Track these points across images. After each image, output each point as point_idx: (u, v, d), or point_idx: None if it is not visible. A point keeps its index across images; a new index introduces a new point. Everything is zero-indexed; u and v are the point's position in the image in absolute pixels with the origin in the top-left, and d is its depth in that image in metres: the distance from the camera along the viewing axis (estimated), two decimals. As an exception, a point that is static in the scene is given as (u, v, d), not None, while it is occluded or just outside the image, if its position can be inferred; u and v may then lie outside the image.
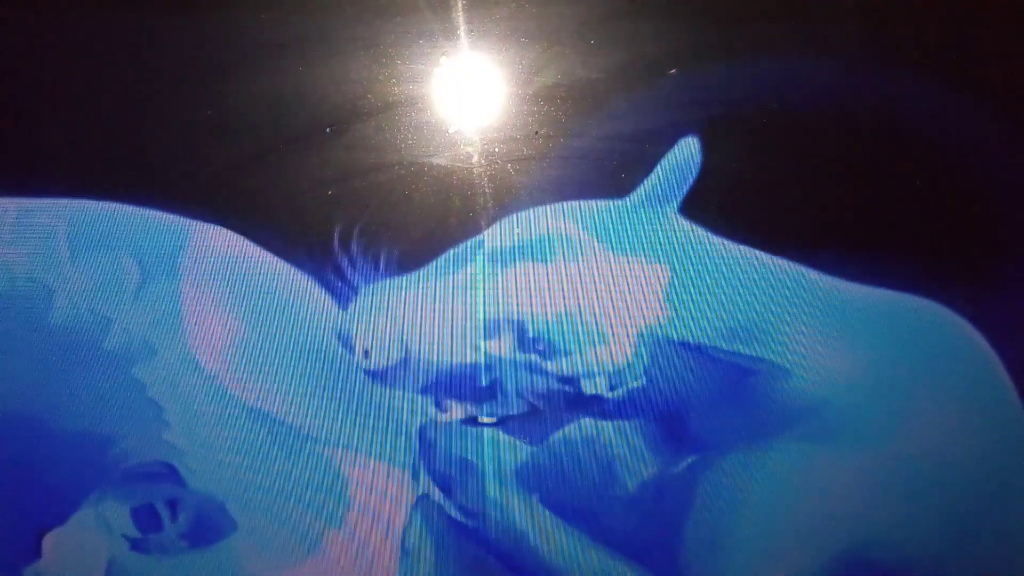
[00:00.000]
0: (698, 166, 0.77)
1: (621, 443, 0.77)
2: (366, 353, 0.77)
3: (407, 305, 0.77)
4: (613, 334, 0.76)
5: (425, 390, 0.77)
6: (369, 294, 0.78)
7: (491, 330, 0.76)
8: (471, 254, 0.77)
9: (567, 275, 0.77)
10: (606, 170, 0.78)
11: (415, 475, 0.77)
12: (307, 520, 0.75)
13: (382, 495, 0.76)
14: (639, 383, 0.76)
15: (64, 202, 0.80)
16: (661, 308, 0.76)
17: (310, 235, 0.78)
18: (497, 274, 0.77)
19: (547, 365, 0.76)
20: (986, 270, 0.78)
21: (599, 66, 0.78)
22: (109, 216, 0.80)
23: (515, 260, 0.77)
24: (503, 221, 0.78)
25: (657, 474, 0.76)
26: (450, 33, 0.78)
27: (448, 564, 0.76)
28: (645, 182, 0.77)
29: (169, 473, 0.76)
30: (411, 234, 0.78)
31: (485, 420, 0.77)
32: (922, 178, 0.78)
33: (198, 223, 0.79)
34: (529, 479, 0.77)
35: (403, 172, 0.79)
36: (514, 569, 0.76)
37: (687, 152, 0.77)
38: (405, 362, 0.76)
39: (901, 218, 0.78)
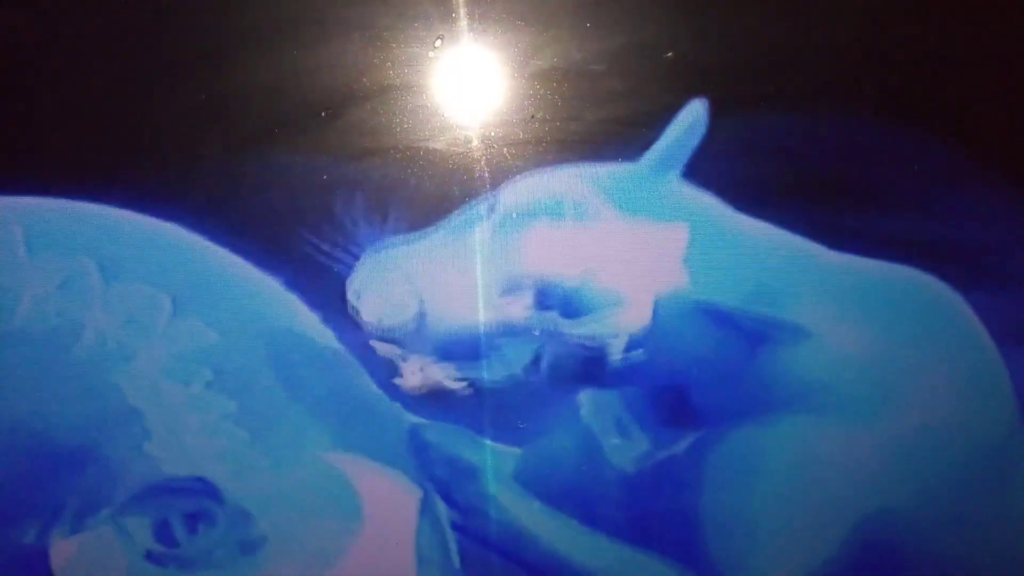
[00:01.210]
0: (703, 130, 0.77)
1: (631, 417, 0.77)
2: (379, 321, 0.76)
3: (416, 266, 0.76)
4: (630, 296, 0.76)
5: (437, 351, 0.76)
6: (374, 257, 0.77)
7: (506, 290, 0.76)
8: (480, 216, 0.77)
9: (581, 237, 0.77)
10: (603, 154, 0.78)
11: (415, 477, 0.77)
12: (326, 531, 0.75)
13: (390, 501, 0.76)
14: (655, 346, 0.76)
15: (30, 200, 0.78)
16: (680, 270, 0.76)
17: (306, 220, 0.78)
18: (509, 235, 0.77)
19: (564, 326, 0.76)
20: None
21: (596, 49, 0.78)
22: (72, 216, 0.78)
23: (527, 221, 0.77)
24: (512, 183, 0.77)
25: (671, 450, 0.77)
26: (446, 16, 0.78)
27: (464, 567, 0.77)
28: (655, 146, 0.77)
29: (202, 487, 0.75)
30: (407, 218, 0.78)
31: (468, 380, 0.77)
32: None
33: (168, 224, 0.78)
34: (532, 467, 0.78)
35: (399, 156, 0.78)
36: (528, 567, 0.77)
37: (694, 115, 0.77)
38: (416, 323, 0.76)
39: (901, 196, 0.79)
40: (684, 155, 0.77)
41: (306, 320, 0.78)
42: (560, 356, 0.76)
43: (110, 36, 0.79)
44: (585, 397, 0.79)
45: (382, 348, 0.77)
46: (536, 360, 0.76)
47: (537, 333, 0.76)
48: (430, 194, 0.78)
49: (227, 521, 0.74)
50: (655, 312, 0.76)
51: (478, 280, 0.76)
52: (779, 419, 0.76)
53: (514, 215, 0.77)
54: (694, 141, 0.77)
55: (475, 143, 0.78)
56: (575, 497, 0.78)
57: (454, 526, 0.77)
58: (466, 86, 0.79)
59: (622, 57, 0.78)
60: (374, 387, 0.78)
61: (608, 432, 0.79)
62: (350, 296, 0.77)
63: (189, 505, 0.74)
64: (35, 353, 0.75)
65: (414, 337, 0.76)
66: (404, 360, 0.76)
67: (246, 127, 0.79)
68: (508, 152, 0.78)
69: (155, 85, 0.79)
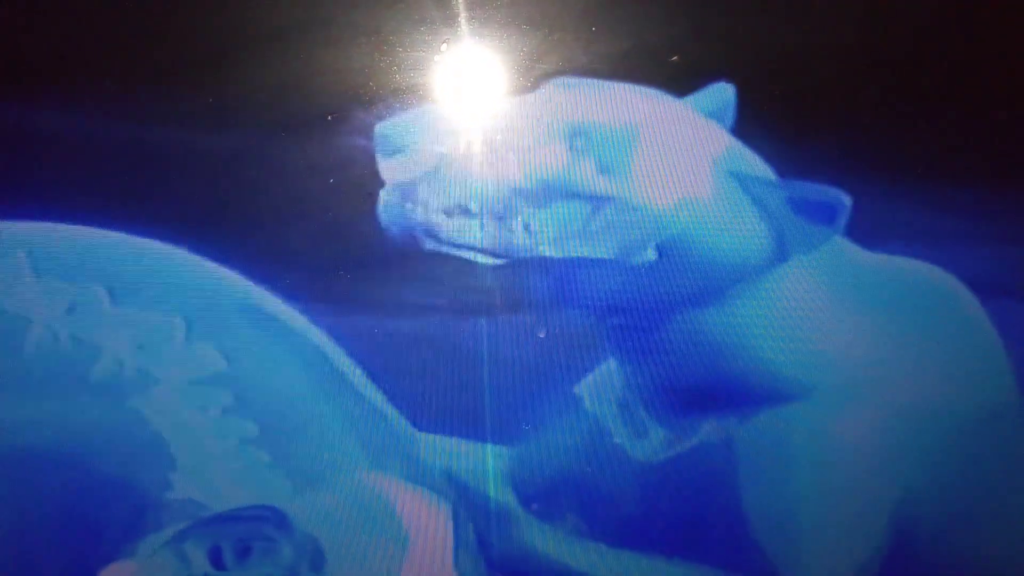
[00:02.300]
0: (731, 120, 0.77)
1: (644, 406, 0.77)
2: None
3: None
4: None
5: (452, 209, 0.75)
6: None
7: (544, 138, 0.75)
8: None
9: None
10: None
11: (441, 493, 0.77)
12: (376, 554, 0.75)
13: (428, 521, 0.76)
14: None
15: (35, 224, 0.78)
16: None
17: (312, 224, 0.78)
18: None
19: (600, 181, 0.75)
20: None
21: (601, 53, 0.78)
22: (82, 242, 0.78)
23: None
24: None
25: (692, 440, 0.77)
26: (451, 20, 0.78)
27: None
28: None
29: (270, 515, 0.75)
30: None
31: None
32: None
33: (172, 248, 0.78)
34: (549, 469, 0.77)
35: (403, 159, 0.79)
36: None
37: (722, 99, 0.77)
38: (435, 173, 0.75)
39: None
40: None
41: (319, 340, 0.78)
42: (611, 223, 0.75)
43: (116, 38, 0.80)
44: (593, 387, 0.79)
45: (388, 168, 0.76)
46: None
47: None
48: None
49: (292, 548, 0.74)
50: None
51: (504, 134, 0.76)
52: (802, 404, 0.76)
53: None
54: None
55: (480, 146, 0.79)
56: (601, 504, 0.78)
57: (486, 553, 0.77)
58: (472, 90, 0.79)
59: (627, 61, 0.78)
60: (390, 407, 0.78)
61: (623, 424, 0.78)
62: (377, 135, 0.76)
63: (247, 532, 0.74)
64: (52, 378, 0.75)
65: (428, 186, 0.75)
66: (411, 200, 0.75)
67: (253, 130, 0.79)
68: (514, 156, 0.78)
69: (161, 88, 0.79)
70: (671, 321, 0.77)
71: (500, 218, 0.76)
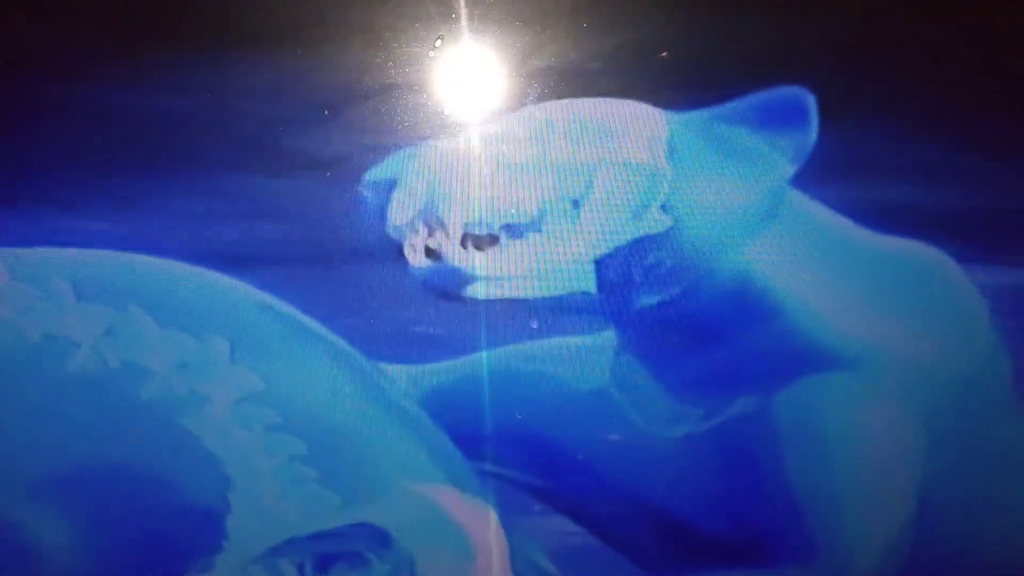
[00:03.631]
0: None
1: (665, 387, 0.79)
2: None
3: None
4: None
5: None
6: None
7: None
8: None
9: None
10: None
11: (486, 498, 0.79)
12: (450, 566, 0.76)
13: (483, 528, 0.77)
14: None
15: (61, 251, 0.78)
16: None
17: (309, 218, 0.79)
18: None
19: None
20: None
21: (592, 49, 0.80)
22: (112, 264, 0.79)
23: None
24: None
25: (718, 418, 0.78)
26: (446, 16, 0.79)
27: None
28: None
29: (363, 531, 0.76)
30: (409, 214, 0.79)
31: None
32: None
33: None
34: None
35: (400, 154, 0.80)
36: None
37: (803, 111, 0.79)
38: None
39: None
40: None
41: (352, 356, 0.79)
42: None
43: (112, 35, 0.80)
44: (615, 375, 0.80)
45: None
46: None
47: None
48: (431, 190, 0.80)
49: (386, 565, 0.75)
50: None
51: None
52: (823, 379, 0.78)
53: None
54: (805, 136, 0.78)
55: (474, 141, 0.80)
56: (637, 481, 0.80)
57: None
58: (466, 85, 0.80)
59: (618, 57, 0.80)
60: (425, 417, 0.80)
61: (653, 401, 0.80)
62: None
63: (341, 547, 0.75)
64: (102, 398, 0.75)
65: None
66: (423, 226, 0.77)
67: (249, 127, 0.80)
68: (506, 149, 0.80)
69: (158, 86, 0.80)
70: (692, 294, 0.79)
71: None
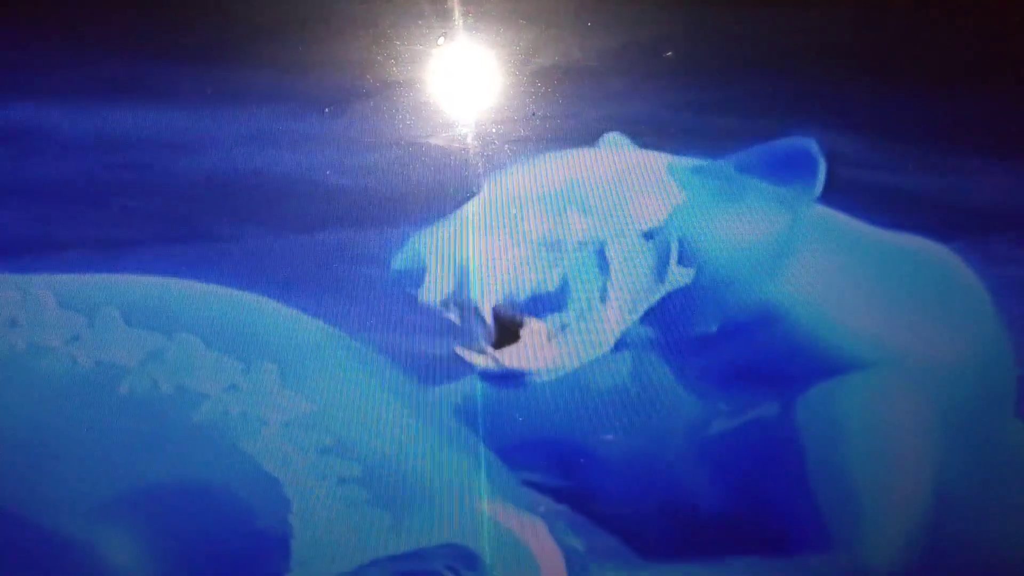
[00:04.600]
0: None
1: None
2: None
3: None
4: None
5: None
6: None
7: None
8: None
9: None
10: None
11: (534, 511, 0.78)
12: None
13: (542, 543, 0.77)
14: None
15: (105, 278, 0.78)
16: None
17: (308, 217, 0.79)
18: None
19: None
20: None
21: (596, 48, 0.79)
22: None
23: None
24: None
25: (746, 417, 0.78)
26: (448, 14, 0.79)
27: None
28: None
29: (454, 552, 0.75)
30: (408, 215, 0.79)
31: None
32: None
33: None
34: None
35: (400, 153, 0.79)
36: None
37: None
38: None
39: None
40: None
41: (397, 376, 0.79)
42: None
43: (115, 32, 0.80)
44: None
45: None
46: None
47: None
48: (432, 190, 0.79)
49: None
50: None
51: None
52: (852, 376, 0.78)
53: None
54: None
55: (475, 140, 0.79)
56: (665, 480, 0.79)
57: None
58: (468, 83, 0.80)
59: (622, 56, 0.79)
60: (475, 437, 0.79)
61: (680, 400, 0.80)
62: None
63: (431, 568, 0.75)
64: (160, 423, 0.75)
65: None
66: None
67: (251, 124, 0.79)
68: (508, 149, 0.79)
69: (160, 81, 0.80)
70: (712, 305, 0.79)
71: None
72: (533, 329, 0.77)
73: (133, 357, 0.76)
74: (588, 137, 0.79)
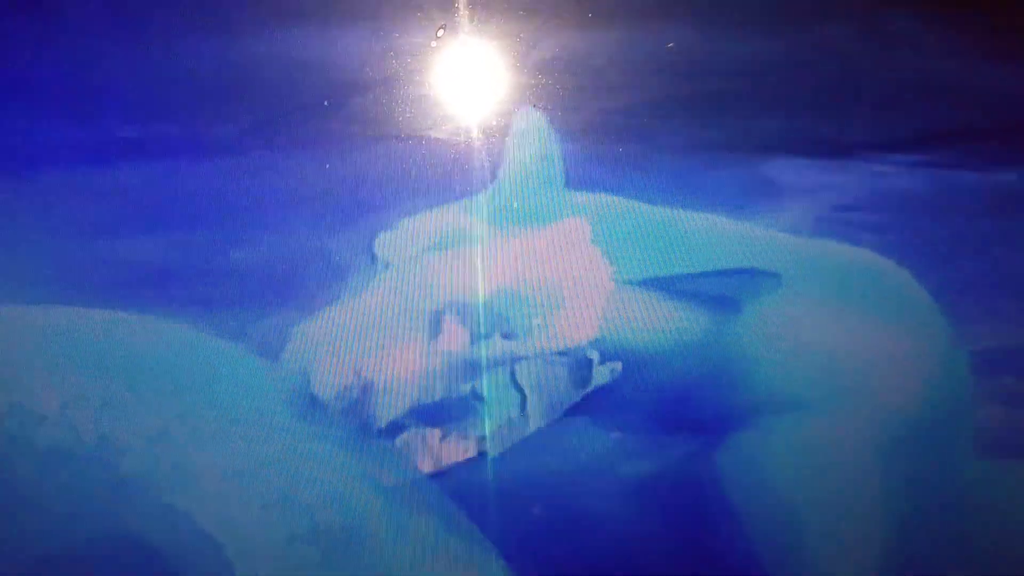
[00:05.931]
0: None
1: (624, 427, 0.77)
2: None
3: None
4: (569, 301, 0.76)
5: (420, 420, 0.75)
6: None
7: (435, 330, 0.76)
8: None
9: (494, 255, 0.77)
10: (603, 143, 0.79)
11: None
12: None
13: None
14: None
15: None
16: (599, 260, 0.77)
17: (309, 211, 0.78)
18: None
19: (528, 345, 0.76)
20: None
21: (597, 40, 0.79)
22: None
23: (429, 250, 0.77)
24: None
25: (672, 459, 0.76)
26: (448, 6, 0.78)
27: None
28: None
29: None
30: (409, 208, 0.78)
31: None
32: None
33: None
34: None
35: (401, 146, 0.79)
36: None
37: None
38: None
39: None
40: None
41: (345, 430, 0.75)
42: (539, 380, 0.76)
43: (114, 29, 0.79)
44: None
45: None
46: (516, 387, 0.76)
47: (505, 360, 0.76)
48: (432, 183, 0.79)
49: None
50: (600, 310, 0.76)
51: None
52: (776, 418, 0.76)
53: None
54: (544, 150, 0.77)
55: (476, 132, 0.79)
56: (592, 523, 0.77)
57: None
58: (468, 76, 0.79)
59: (623, 48, 0.79)
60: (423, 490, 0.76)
61: (610, 441, 0.78)
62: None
63: None
64: (80, 473, 0.69)
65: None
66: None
67: (250, 117, 0.79)
68: (509, 142, 0.79)
69: (159, 75, 0.79)
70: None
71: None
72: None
73: (52, 401, 0.69)
74: (588, 131, 0.79)
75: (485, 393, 0.76)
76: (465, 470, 0.76)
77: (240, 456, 0.70)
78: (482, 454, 0.76)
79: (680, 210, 0.78)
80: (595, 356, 0.76)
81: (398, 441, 0.75)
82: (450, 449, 0.75)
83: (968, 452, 0.77)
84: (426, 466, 0.75)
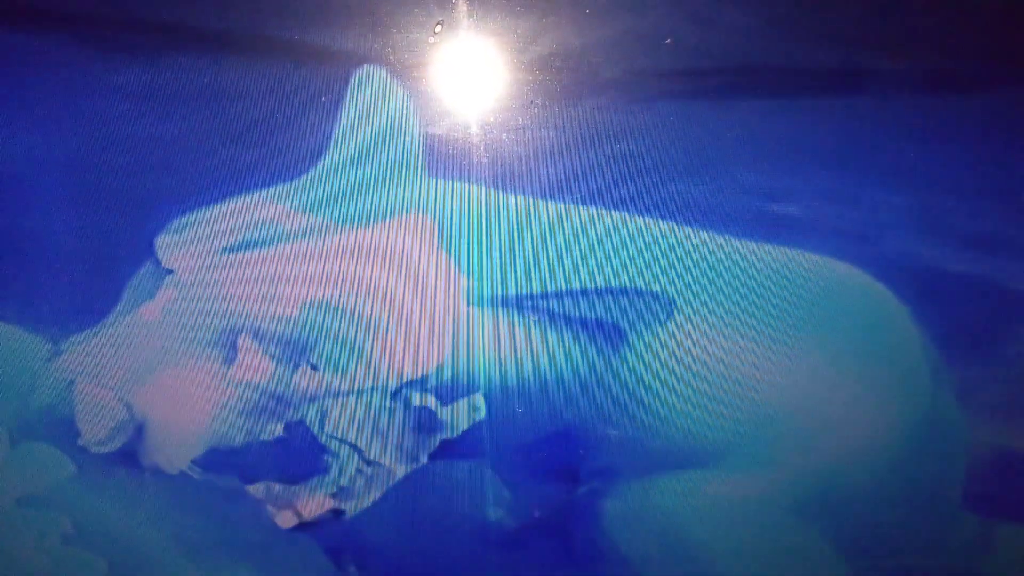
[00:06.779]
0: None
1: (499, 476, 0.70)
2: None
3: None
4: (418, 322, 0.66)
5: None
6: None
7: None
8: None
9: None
10: (601, 139, 0.79)
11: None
12: None
13: None
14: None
15: None
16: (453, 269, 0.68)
17: (306, 206, 0.79)
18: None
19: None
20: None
21: (594, 36, 0.79)
22: None
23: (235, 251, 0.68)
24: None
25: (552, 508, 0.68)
26: (446, 2, 0.78)
27: None
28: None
29: None
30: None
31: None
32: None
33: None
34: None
35: (399, 142, 0.79)
36: None
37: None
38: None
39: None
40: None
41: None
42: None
43: (114, 26, 0.80)
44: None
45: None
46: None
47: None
48: (432, 180, 0.79)
49: None
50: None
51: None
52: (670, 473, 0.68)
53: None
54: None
55: (474, 128, 0.79)
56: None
57: None
58: (466, 72, 0.79)
59: (620, 44, 0.79)
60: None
61: (491, 489, 0.70)
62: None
63: None
64: None
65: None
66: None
67: (248, 112, 0.79)
68: (507, 137, 0.79)
69: (158, 70, 0.79)
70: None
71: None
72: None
73: None
74: (586, 126, 0.79)
75: (290, 438, 0.64)
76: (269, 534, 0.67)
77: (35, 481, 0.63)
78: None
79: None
80: (443, 393, 0.66)
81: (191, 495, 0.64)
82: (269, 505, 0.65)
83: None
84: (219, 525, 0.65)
